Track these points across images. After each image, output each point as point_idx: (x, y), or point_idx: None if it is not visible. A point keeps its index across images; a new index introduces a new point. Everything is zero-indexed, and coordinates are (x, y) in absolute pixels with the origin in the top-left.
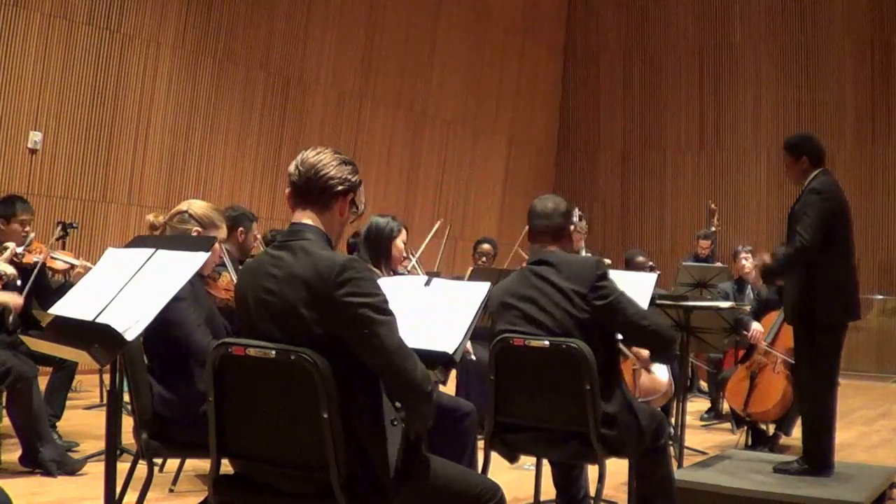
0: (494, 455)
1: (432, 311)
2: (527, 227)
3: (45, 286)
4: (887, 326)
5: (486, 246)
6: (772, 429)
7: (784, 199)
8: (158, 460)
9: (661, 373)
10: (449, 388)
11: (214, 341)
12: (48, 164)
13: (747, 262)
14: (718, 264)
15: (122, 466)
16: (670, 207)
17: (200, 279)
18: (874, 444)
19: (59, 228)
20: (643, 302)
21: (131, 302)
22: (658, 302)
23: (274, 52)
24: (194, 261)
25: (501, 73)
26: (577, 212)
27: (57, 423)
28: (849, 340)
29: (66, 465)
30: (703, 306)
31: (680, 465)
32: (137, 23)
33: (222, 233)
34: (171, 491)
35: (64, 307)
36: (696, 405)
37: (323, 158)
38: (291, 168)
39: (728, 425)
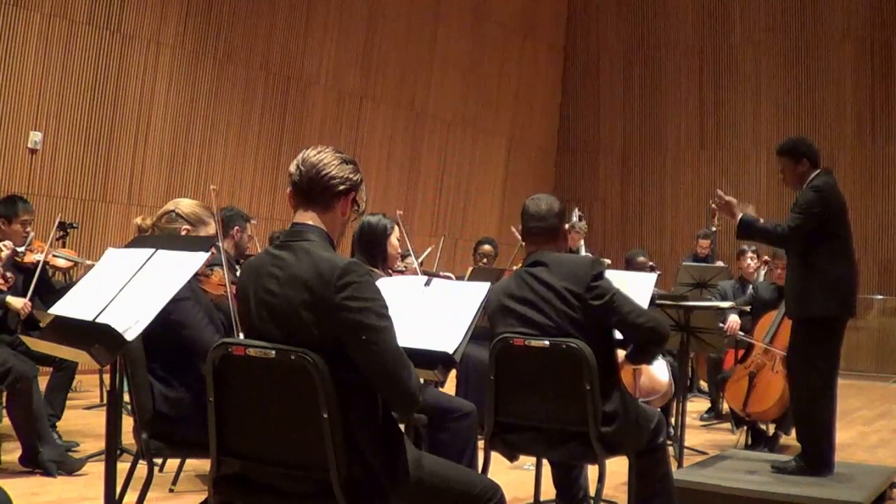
0: (494, 455)
1: (432, 312)
2: (521, 228)
3: (47, 285)
4: (887, 326)
5: (486, 247)
6: (772, 428)
7: (784, 198)
8: (158, 460)
9: (661, 373)
10: (449, 388)
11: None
12: (48, 164)
13: (752, 262)
14: (719, 263)
15: (122, 466)
16: (670, 207)
17: (195, 277)
18: (874, 444)
19: (59, 228)
20: (643, 302)
21: (131, 302)
22: (658, 302)
23: (274, 52)
24: (194, 261)
25: (501, 74)
26: (576, 212)
27: (57, 423)
28: (849, 340)
29: (66, 465)
30: (703, 306)
31: (680, 465)
32: (137, 23)
33: (211, 229)
34: (171, 491)
35: (64, 307)
36: (696, 405)
37: (324, 158)
38: (292, 168)
39: (728, 425)
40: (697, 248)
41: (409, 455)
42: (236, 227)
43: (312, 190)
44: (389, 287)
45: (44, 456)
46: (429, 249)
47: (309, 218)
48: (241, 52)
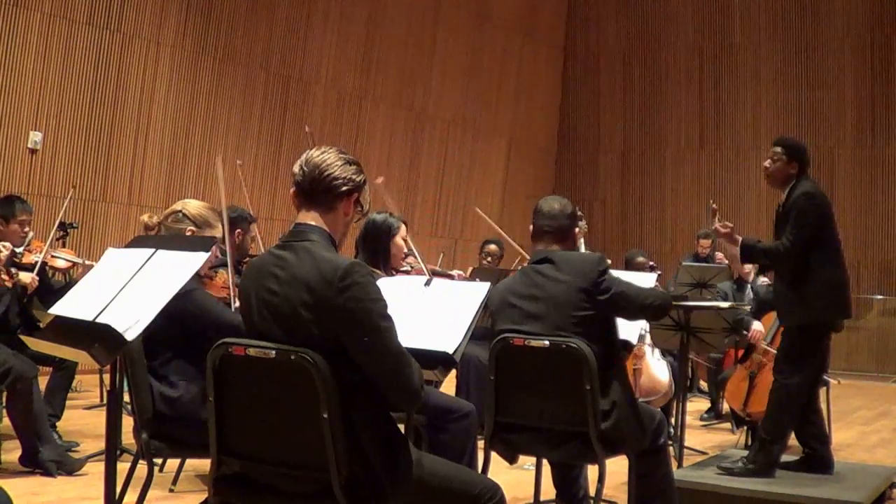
0: (494, 455)
1: (432, 312)
2: (531, 227)
3: (46, 285)
4: (887, 326)
5: (492, 247)
6: None
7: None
8: (158, 460)
9: (661, 373)
10: (449, 388)
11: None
12: (48, 164)
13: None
14: (719, 261)
15: (122, 466)
16: (670, 207)
17: (197, 278)
18: (874, 444)
19: (59, 228)
20: None
21: (131, 302)
22: None
23: (274, 52)
24: (194, 261)
25: (501, 74)
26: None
27: (57, 423)
28: (849, 340)
29: (66, 465)
30: (703, 306)
31: (680, 465)
32: (137, 23)
33: (217, 232)
34: (171, 491)
35: (64, 307)
36: (696, 405)
37: (327, 158)
38: (296, 168)
39: (728, 425)
40: (698, 247)
41: (410, 455)
42: (238, 230)
43: (315, 190)
44: (389, 287)
45: (44, 456)
46: (441, 256)
47: (311, 218)
48: (241, 52)
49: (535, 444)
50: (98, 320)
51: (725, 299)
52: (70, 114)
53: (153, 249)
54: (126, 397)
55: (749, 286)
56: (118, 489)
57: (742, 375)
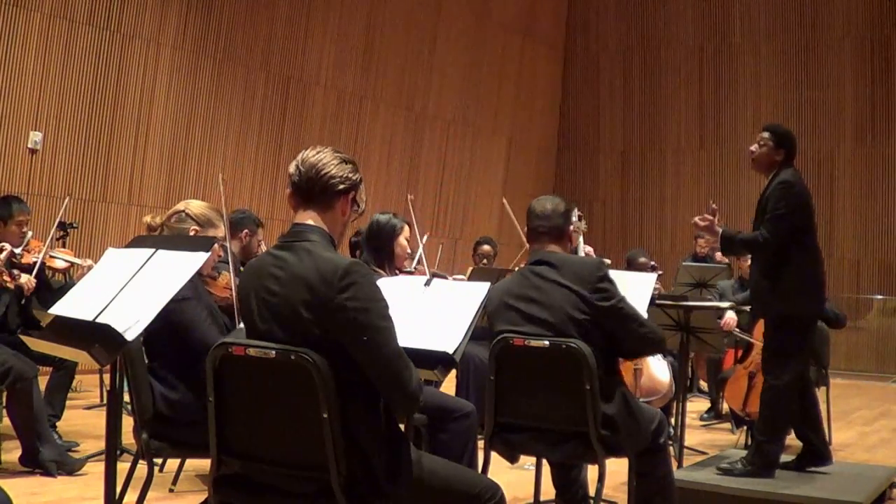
0: (494, 455)
1: (432, 312)
2: (525, 228)
3: (45, 285)
4: (887, 326)
5: (485, 247)
6: None
7: None
8: (158, 460)
9: (661, 373)
10: (449, 388)
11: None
12: (48, 164)
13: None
14: (718, 260)
15: (122, 466)
16: (670, 207)
17: (199, 278)
18: (874, 444)
19: (59, 228)
20: (644, 301)
21: (131, 302)
22: (658, 302)
23: (274, 52)
24: (194, 261)
25: (501, 73)
26: (576, 212)
27: (57, 423)
28: (848, 340)
29: (66, 465)
30: (703, 306)
31: (680, 465)
32: (137, 23)
33: (220, 232)
34: (171, 491)
35: (64, 307)
36: (696, 405)
37: (323, 158)
38: (292, 168)
39: (728, 425)
40: (697, 247)
41: (410, 455)
42: (245, 231)
43: (312, 190)
44: (389, 287)
45: (44, 456)
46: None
47: (309, 218)
48: (241, 52)
49: (535, 444)
50: (98, 320)
51: (724, 299)
52: (70, 114)
53: (153, 249)
54: (126, 397)
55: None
56: (118, 489)
57: (741, 375)
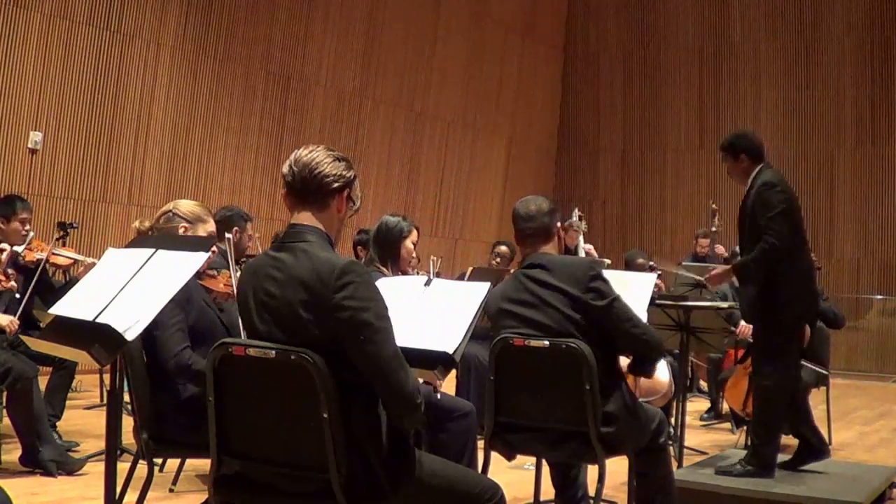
0: (494, 455)
1: (432, 312)
2: (514, 234)
3: (47, 285)
4: (887, 326)
5: (503, 248)
6: None
7: None
8: (158, 460)
9: (661, 373)
10: (449, 388)
11: (187, 350)
12: (48, 164)
13: None
14: (719, 254)
15: (122, 466)
16: (670, 207)
17: (196, 278)
18: (874, 444)
19: (59, 228)
20: (644, 301)
21: (131, 302)
22: (658, 302)
23: (274, 52)
24: (194, 261)
25: (501, 73)
26: (576, 212)
27: (57, 423)
28: (848, 340)
29: (66, 465)
30: (703, 306)
31: (680, 465)
32: (137, 23)
33: (210, 227)
34: (171, 491)
35: (64, 307)
36: (696, 405)
37: (316, 157)
38: (285, 169)
39: (728, 425)
40: (697, 247)
41: (409, 455)
42: (235, 228)
43: (307, 189)
44: (389, 287)
45: (44, 456)
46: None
47: (305, 218)
48: (241, 52)
49: (535, 444)
50: (98, 320)
51: (724, 300)
52: (70, 114)
53: (153, 249)
54: (126, 397)
55: None
56: (118, 489)
57: (741, 375)
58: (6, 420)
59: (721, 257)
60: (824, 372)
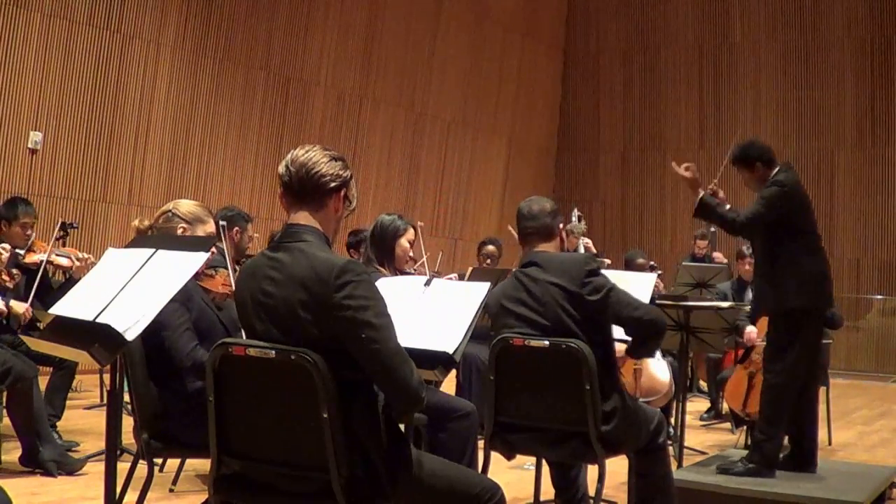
0: (494, 455)
1: (432, 312)
2: (516, 233)
3: (47, 286)
4: (887, 326)
5: (490, 247)
6: None
7: None
8: (158, 460)
9: (661, 373)
10: (449, 387)
11: (198, 347)
12: (48, 165)
13: (751, 266)
14: (718, 260)
15: (122, 466)
16: (670, 207)
17: (194, 278)
18: (874, 444)
19: (60, 228)
20: (644, 301)
21: (132, 302)
22: (658, 302)
23: (274, 52)
24: (194, 261)
25: (501, 73)
26: (575, 212)
27: (57, 423)
28: (848, 340)
29: (66, 465)
30: (703, 306)
31: (680, 465)
32: (137, 23)
33: (210, 228)
34: (171, 491)
35: (64, 307)
36: (696, 405)
37: (313, 156)
38: (281, 169)
39: (728, 425)
40: (695, 248)
41: (409, 455)
42: (236, 228)
43: (303, 189)
44: (389, 287)
45: (44, 456)
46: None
47: (302, 218)
48: (241, 52)
49: (535, 444)
50: (98, 320)
51: (724, 300)
52: (70, 114)
53: (153, 249)
54: (126, 397)
55: (749, 287)
56: (118, 489)
57: (741, 375)
58: (6, 420)
59: (720, 261)
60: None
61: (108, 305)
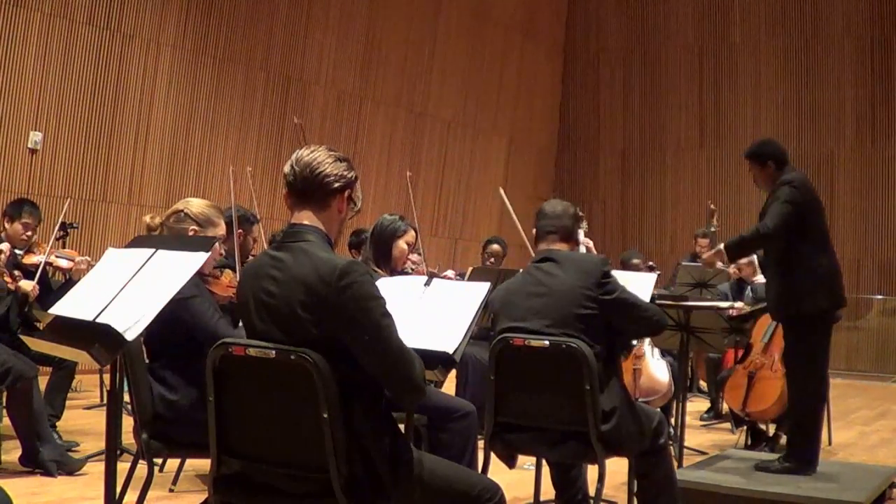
0: (494, 455)
1: (432, 311)
2: (534, 230)
3: (47, 287)
4: (887, 326)
5: (495, 246)
6: (772, 429)
7: None
8: (158, 460)
9: (661, 373)
10: (449, 388)
11: (239, 329)
12: (48, 164)
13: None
14: (719, 264)
15: (122, 466)
16: (670, 207)
17: (200, 278)
18: (874, 444)
19: (60, 228)
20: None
21: (131, 302)
22: (658, 302)
23: (274, 52)
24: (194, 261)
25: (501, 74)
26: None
27: (57, 423)
28: (848, 340)
29: (66, 465)
30: (703, 306)
31: (680, 465)
32: (137, 23)
33: (221, 230)
34: (171, 491)
35: (64, 307)
36: (696, 405)
37: (318, 157)
38: (287, 168)
39: (728, 425)
40: (696, 246)
41: (410, 455)
42: (240, 230)
43: (308, 189)
44: (389, 287)
45: (44, 456)
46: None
47: (306, 218)
48: (241, 52)
49: (535, 444)
50: (98, 320)
51: (724, 300)
52: (70, 114)
53: (153, 249)
54: (126, 397)
55: (749, 287)
56: (118, 489)
57: (741, 375)
58: (6, 420)
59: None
60: None
61: (108, 305)
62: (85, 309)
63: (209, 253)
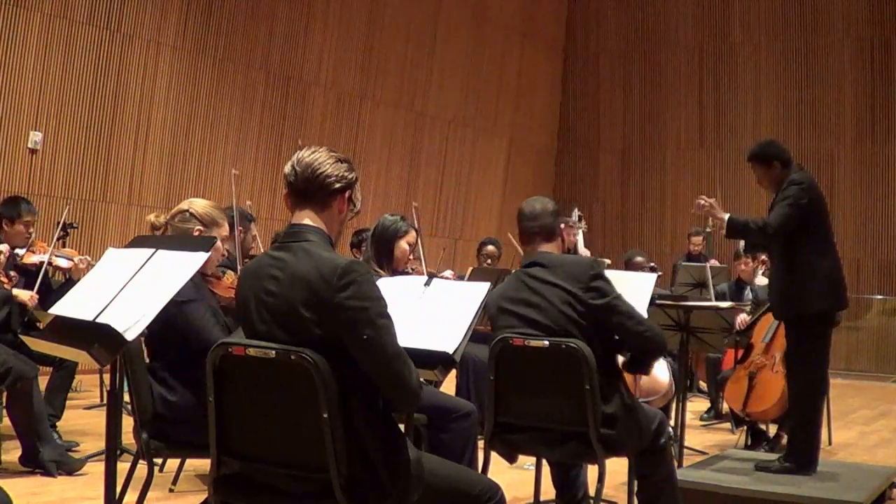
0: (494, 455)
1: (432, 311)
2: (518, 233)
3: (47, 287)
4: (887, 326)
5: (490, 248)
6: (773, 429)
7: None
8: (158, 460)
9: (661, 373)
10: (449, 388)
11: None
12: (48, 164)
13: (747, 266)
14: (713, 262)
15: (122, 466)
16: (670, 207)
17: (202, 278)
18: (874, 444)
19: (60, 228)
20: (644, 301)
21: (132, 302)
22: (658, 302)
23: (274, 52)
24: (194, 261)
25: (501, 74)
26: (576, 212)
27: (57, 423)
28: (848, 340)
29: (66, 465)
30: (703, 306)
31: (680, 465)
32: (137, 23)
33: (224, 231)
34: (171, 491)
35: (64, 307)
36: (696, 405)
37: (318, 157)
38: (287, 169)
39: (728, 425)
40: (690, 245)
41: (410, 455)
42: (239, 228)
43: (308, 189)
44: (389, 287)
45: (44, 456)
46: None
47: (306, 218)
48: (241, 52)
49: (535, 444)
50: (98, 320)
51: (724, 300)
52: (70, 114)
53: (153, 249)
54: (126, 397)
55: (748, 287)
56: (118, 489)
57: (741, 375)
58: (6, 420)
59: (715, 259)
60: None
61: (108, 305)
62: (85, 309)
63: (209, 253)
